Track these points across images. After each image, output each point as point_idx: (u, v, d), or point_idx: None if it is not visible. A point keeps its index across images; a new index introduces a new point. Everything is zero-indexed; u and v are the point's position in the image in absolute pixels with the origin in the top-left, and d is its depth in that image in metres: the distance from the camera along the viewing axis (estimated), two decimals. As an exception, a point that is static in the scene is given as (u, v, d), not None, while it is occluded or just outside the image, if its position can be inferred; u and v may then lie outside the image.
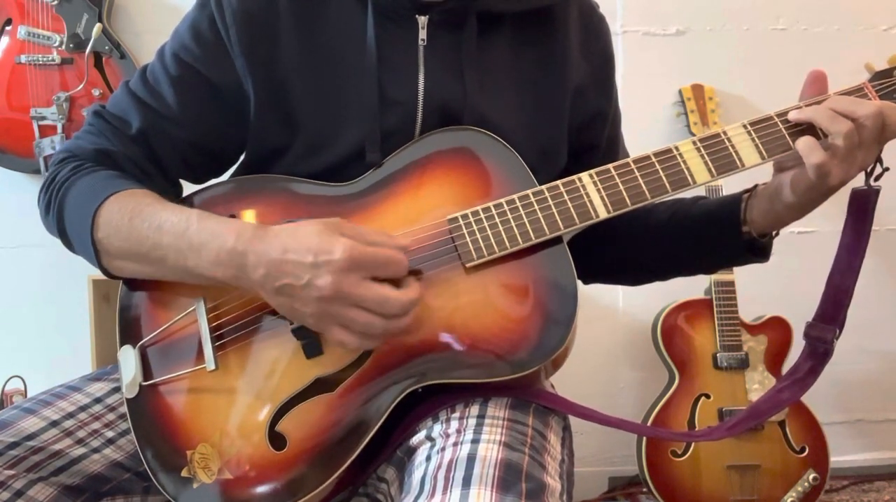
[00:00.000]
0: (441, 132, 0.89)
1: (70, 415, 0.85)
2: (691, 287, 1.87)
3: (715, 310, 1.91)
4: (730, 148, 0.84)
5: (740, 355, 1.89)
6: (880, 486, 2.14)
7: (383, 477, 0.84)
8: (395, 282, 0.75)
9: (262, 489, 0.78)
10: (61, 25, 1.84)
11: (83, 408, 0.87)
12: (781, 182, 0.85)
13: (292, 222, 0.78)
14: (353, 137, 0.89)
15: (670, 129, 2.09)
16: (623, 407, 2.13)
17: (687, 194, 0.89)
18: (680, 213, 0.98)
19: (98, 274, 0.88)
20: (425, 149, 0.89)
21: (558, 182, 0.84)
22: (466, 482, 0.67)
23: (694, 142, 0.85)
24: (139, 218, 0.81)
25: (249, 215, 0.88)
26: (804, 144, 0.80)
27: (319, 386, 0.80)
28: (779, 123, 0.84)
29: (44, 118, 1.84)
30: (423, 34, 0.90)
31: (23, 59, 1.84)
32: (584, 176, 0.85)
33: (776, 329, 1.92)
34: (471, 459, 0.71)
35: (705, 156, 0.84)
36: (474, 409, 0.80)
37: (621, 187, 0.84)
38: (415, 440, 0.80)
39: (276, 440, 0.79)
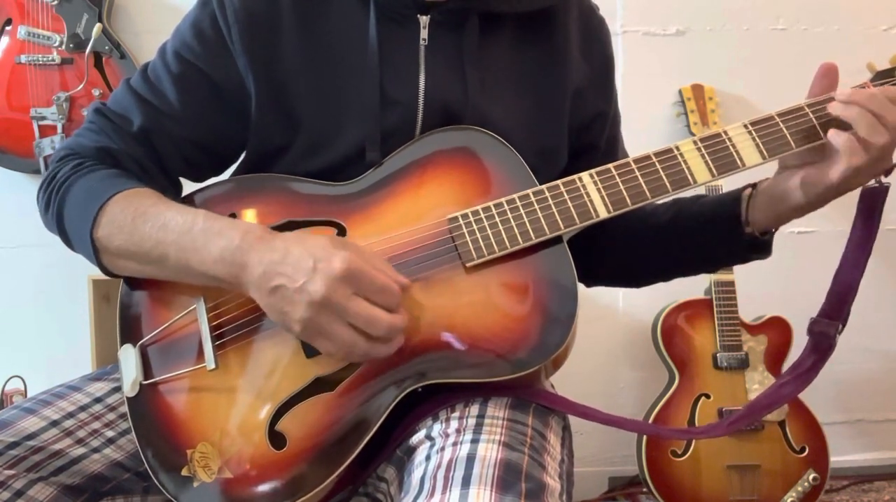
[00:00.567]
0: (441, 131, 0.89)
1: (70, 415, 0.85)
2: (691, 287, 1.87)
3: (715, 309, 1.91)
4: (731, 148, 0.84)
5: (740, 355, 1.89)
6: (880, 486, 2.14)
7: (383, 476, 0.84)
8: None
9: (262, 488, 0.78)
10: (61, 25, 1.84)
11: (83, 408, 0.87)
12: (788, 183, 0.84)
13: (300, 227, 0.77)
14: (353, 137, 0.89)
15: (670, 129, 2.09)
16: (623, 407, 2.12)
17: (687, 193, 0.89)
18: (680, 213, 0.97)
19: (98, 274, 0.88)
20: (426, 148, 0.89)
21: (558, 181, 0.84)
22: (466, 482, 0.67)
23: (695, 142, 0.85)
24: (143, 217, 0.81)
25: (250, 214, 0.88)
26: (846, 146, 0.78)
27: (319, 386, 0.80)
28: (780, 123, 0.84)
29: (44, 118, 1.83)
30: (424, 34, 0.90)
31: (23, 59, 1.84)
32: (585, 175, 0.85)
33: (776, 329, 1.92)
34: (470, 459, 0.71)
35: (706, 155, 0.84)
36: (474, 409, 0.80)
37: (622, 187, 0.84)
38: (414, 439, 0.80)
39: (276, 439, 0.79)
